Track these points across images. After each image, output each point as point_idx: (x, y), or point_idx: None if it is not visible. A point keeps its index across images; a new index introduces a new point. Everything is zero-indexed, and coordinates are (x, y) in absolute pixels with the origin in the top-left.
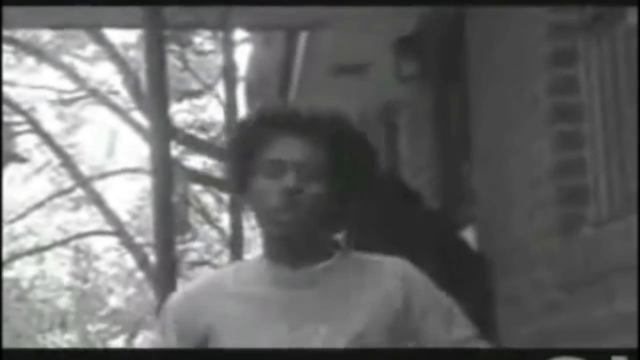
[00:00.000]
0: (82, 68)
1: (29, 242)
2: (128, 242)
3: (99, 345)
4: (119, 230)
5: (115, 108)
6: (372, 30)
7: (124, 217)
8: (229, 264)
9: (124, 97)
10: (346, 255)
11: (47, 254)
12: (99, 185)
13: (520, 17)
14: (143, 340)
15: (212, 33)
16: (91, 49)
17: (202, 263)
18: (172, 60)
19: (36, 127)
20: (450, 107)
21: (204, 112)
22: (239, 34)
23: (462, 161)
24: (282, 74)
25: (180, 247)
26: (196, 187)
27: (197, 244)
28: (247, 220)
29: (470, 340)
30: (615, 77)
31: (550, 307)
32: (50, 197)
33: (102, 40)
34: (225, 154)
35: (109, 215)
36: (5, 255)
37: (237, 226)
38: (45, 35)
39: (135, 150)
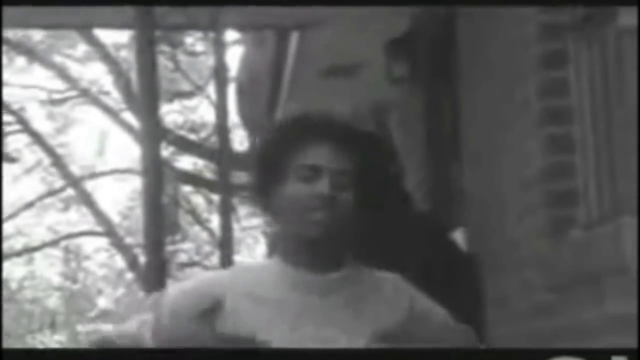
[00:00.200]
0: (73, 68)
1: (19, 243)
2: (118, 243)
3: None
4: (109, 231)
5: (106, 108)
6: (363, 31)
7: (114, 217)
8: (236, 264)
9: (114, 97)
10: (356, 267)
11: (37, 255)
12: (89, 186)
13: (511, 18)
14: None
15: (203, 34)
16: (82, 49)
17: (192, 264)
18: (163, 61)
19: (26, 127)
20: (441, 108)
21: (194, 113)
22: (231, 35)
23: (453, 162)
24: (273, 75)
25: (170, 248)
26: (186, 188)
27: (187, 245)
28: (237, 222)
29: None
30: (606, 79)
31: (539, 309)
32: (40, 198)
33: (93, 41)
34: (253, 157)
35: (99, 215)
36: None
37: (227, 227)
38: (37, 35)
39: (126, 150)
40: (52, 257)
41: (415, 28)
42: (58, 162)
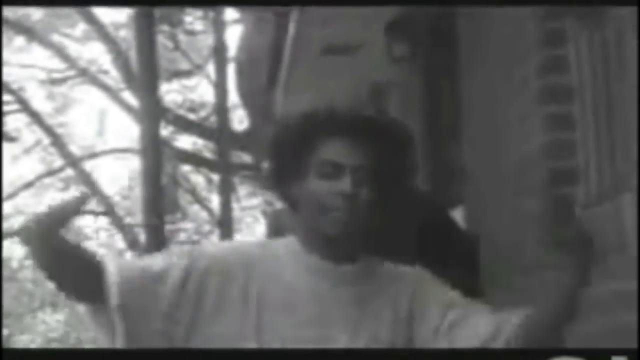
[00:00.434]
0: (72, 47)
1: (18, 222)
2: (118, 223)
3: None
4: (109, 211)
5: (105, 88)
6: (363, 10)
7: (114, 197)
8: (257, 240)
9: (114, 76)
10: (371, 261)
11: None
12: (88, 166)
13: None
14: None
15: (202, 13)
16: (81, 28)
17: (191, 243)
18: (163, 40)
19: (26, 107)
20: (441, 88)
21: (194, 92)
22: (230, 14)
23: (452, 142)
24: (273, 54)
25: (169, 228)
26: (186, 168)
27: (186, 224)
28: (237, 201)
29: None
30: (606, 57)
31: (540, 287)
32: (40, 177)
33: (92, 20)
34: (270, 151)
35: (99, 195)
36: None
37: (226, 206)
38: (35, 14)
39: (125, 130)
40: None
41: (415, 8)
42: (57, 141)
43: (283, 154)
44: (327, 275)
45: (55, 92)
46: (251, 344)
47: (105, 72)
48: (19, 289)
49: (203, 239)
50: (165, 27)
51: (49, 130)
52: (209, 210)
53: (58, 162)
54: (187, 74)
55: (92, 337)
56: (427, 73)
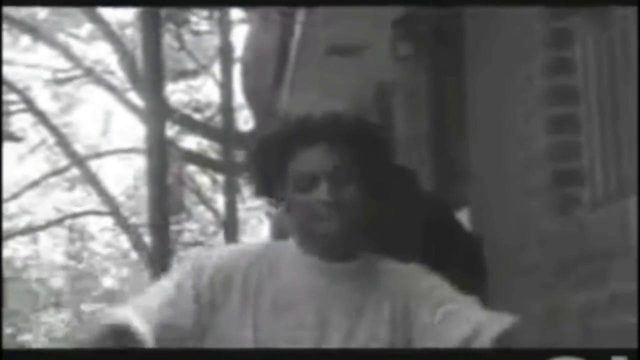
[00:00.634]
0: (78, 47)
1: (23, 222)
2: (123, 223)
3: None
4: (114, 211)
5: (110, 88)
6: (368, 11)
7: (119, 197)
8: (259, 242)
9: (119, 76)
10: (370, 258)
11: (42, 234)
12: (93, 165)
13: None
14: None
15: (208, 13)
16: (87, 28)
17: (196, 244)
18: (168, 40)
19: (31, 106)
20: (446, 87)
21: (199, 92)
22: (236, 14)
23: (457, 142)
24: (278, 55)
25: (174, 228)
26: (191, 168)
27: (191, 225)
28: (242, 202)
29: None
30: (612, 59)
31: (543, 289)
32: (45, 177)
33: (98, 19)
34: (250, 164)
35: (104, 195)
36: None
37: (231, 207)
38: (41, 14)
39: (131, 130)
40: (57, 237)
41: (420, 7)
42: (62, 141)
43: (260, 170)
44: (325, 272)
45: (60, 91)
46: (249, 344)
47: (111, 72)
48: (24, 289)
49: (208, 240)
50: (171, 27)
51: (54, 129)
52: (214, 210)
53: (63, 161)
54: (193, 74)
55: None
56: (432, 73)
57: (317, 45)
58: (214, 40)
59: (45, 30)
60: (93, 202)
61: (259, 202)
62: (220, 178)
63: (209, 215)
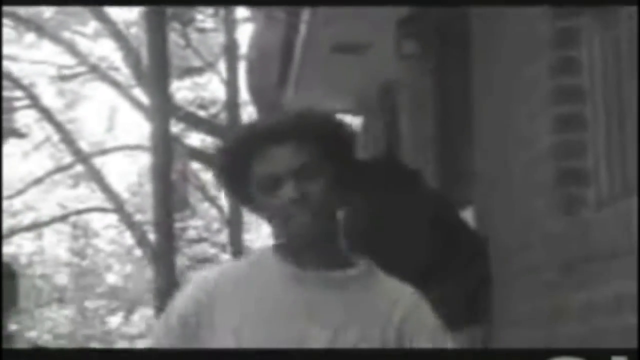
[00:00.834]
0: (83, 44)
1: (27, 218)
2: (127, 219)
3: (96, 321)
4: (118, 207)
5: (115, 84)
6: (373, 9)
7: (123, 194)
8: (239, 259)
9: (124, 73)
10: (369, 270)
11: (46, 231)
12: (98, 162)
13: None
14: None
15: (213, 11)
16: (92, 25)
17: (200, 240)
18: (174, 38)
19: (36, 103)
20: (451, 86)
21: (204, 89)
22: (241, 11)
23: (462, 141)
24: (284, 53)
25: (179, 225)
26: (196, 165)
27: (196, 222)
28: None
29: None
30: (618, 58)
31: (547, 288)
32: (49, 173)
33: (103, 17)
34: (217, 175)
35: (108, 192)
36: (3, 231)
37: (236, 205)
38: (47, 11)
39: (135, 127)
40: (61, 233)
41: (426, 6)
42: (67, 138)
43: (228, 177)
44: (311, 282)
45: (65, 88)
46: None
47: (116, 69)
48: (28, 285)
49: (212, 237)
50: (176, 25)
51: (59, 126)
52: (219, 207)
53: (67, 158)
54: (198, 71)
55: (100, 334)
56: (438, 72)
57: (321, 43)
58: (220, 38)
59: (51, 27)
60: (97, 198)
61: None
62: None
63: (213, 212)
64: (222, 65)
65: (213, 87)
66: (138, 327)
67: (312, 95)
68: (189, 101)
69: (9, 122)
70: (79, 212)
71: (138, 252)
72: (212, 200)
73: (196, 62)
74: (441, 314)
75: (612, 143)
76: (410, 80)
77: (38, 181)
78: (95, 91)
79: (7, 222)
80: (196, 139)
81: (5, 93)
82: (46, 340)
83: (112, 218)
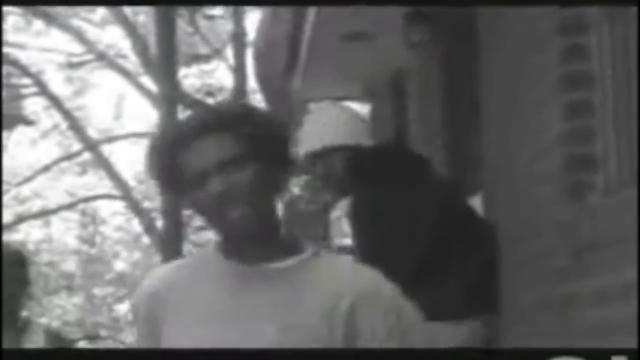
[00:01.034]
0: (91, 32)
1: (36, 206)
2: (135, 207)
3: (104, 308)
4: (126, 195)
5: (123, 72)
6: None
7: (131, 181)
8: (180, 258)
9: (132, 61)
10: (314, 255)
11: (54, 218)
12: (106, 150)
13: None
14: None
15: None
16: (100, 13)
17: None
18: (182, 25)
19: (44, 90)
20: (460, 73)
21: (212, 77)
22: None
23: (471, 128)
24: (292, 40)
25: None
26: None
27: None
28: None
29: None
30: (627, 46)
31: (557, 275)
32: (57, 161)
33: (111, 5)
34: (147, 173)
35: (116, 179)
36: (11, 218)
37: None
38: None
39: (143, 114)
40: (69, 221)
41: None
42: (75, 125)
43: (158, 174)
44: (252, 276)
45: (73, 76)
46: None
47: (124, 57)
48: (36, 272)
49: None
50: (184, 12)
51: (67, 113)
52: None
53: (75, 145)
54: (206, 58)
55: (109, 321)
56: (446, 59)
57: (330, 31)
58: (227, 25)
59: (59, 15)
60: (105, 186)
61: None
62: None
63: None
64: (229, 53)
65: (220, 74)
66: None
67: (320, 82)
68: (197, 88)
69: (17, 109)
70: (87, 200)
71: (146, 240)
72: None
73: (204, 50)
74: (441, 306)
75: (621, 129)
76: (418, 68)
77: (46, 169)
78: (103, 79)
79: (16, 210)
80: None
81: (14, 80)
82: (55, 327)
83: (120, 205)
